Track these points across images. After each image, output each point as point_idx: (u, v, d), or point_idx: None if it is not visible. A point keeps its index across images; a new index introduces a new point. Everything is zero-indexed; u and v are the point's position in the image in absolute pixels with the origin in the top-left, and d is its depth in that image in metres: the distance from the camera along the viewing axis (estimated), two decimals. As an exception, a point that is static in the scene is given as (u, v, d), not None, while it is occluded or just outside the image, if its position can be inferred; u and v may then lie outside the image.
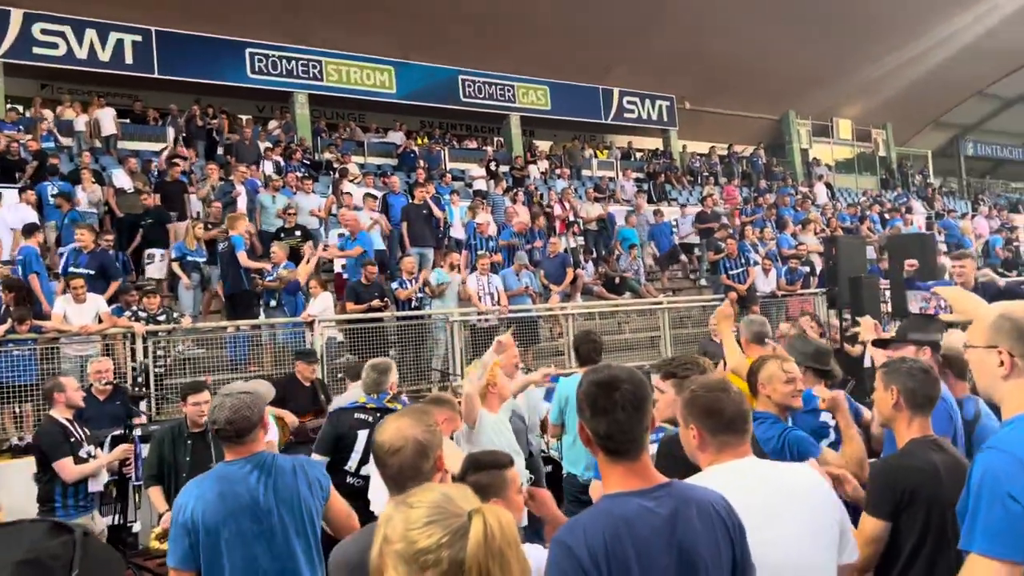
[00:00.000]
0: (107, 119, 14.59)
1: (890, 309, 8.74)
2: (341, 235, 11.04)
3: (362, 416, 4.58)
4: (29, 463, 6.85)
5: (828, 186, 22.94)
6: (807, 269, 13.30)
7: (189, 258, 10.02)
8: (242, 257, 9.39)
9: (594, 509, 1.82)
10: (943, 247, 15.28)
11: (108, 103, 15.41)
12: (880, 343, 4.04)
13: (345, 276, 10.61)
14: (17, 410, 7.69)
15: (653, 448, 3.25)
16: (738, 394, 2.25)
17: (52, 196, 10.56)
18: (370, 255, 10.35)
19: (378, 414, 4.53)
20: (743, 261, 12.47)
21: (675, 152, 24.16)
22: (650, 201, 17.93)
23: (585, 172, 20.79)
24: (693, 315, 12.69)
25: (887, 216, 19.26)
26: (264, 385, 3.14)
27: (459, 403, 4.11)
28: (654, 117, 24.32)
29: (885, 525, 2.53)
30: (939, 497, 2.50)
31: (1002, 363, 1.96)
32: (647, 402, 1.85)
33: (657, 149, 24.73)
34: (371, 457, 4.24)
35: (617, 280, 13.19)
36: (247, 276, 9.48)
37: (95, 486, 5.52)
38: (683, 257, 15.09)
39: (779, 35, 22.08)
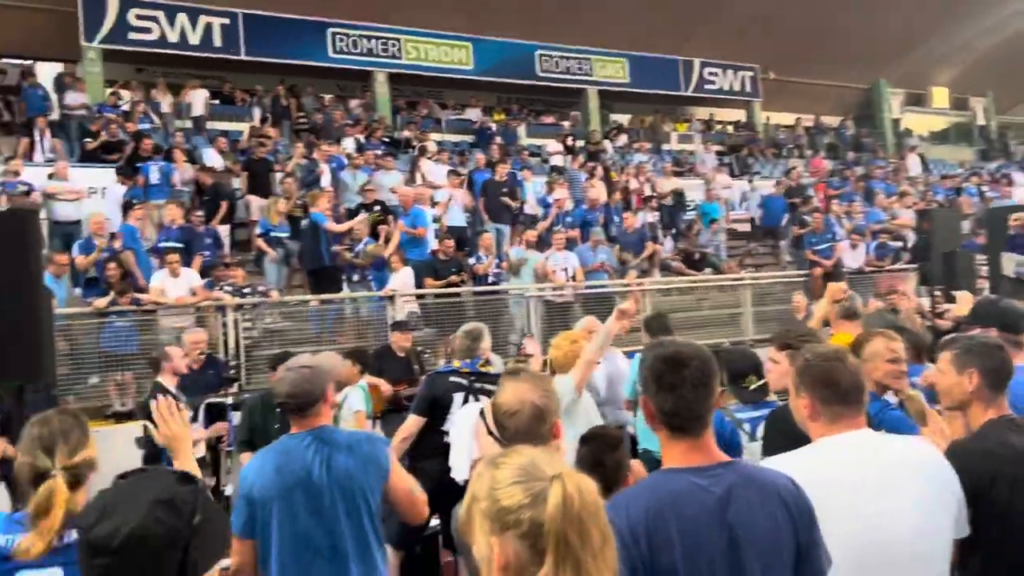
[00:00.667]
0: (199, 100, 15.16)
1: (988, 284, 8.34)
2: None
3: (457, 380, 4.70)
4: (131, 428, 7.28)
5: (921, 157, 21.92)
6: (899, 244, 12.79)
7: (272, 233, 10.35)
8: (331, 225, 9.70)
9: (643, 483, 1.82)
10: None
11: (200, 85, 16.02)
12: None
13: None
14: (119, 378, 8.17)
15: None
16: (854, 365, 2.19)
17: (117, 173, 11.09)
18: (427, 228, 10.48)
19: (472, 378, 4.69)
20: (829, 236, 12.10)
21: (759, 124, 23.46)
22: (732, 175, 17.54)
23: (664, 146, 20.46)
24: (776, 292, 12.39)
25: (986, 189, 18.28)
26: (333, 359, 3.15)
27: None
28: (736, 88, 23.62)
29: None
30: (1020, 479, 2.36)
31: None
32: (714, 379, 1.82)
33: (739, 121, 24.09)
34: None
35: (697, 256, 12.97)
36: (328, 252, 9.77)
37: (196, 452, 5.86)
38: (781, 241, 14.67)
39: (867, -2, 21.11)
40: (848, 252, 12.16)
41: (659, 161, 17.85)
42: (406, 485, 2.92)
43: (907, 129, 25.35)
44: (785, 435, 2.29)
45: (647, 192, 14.44)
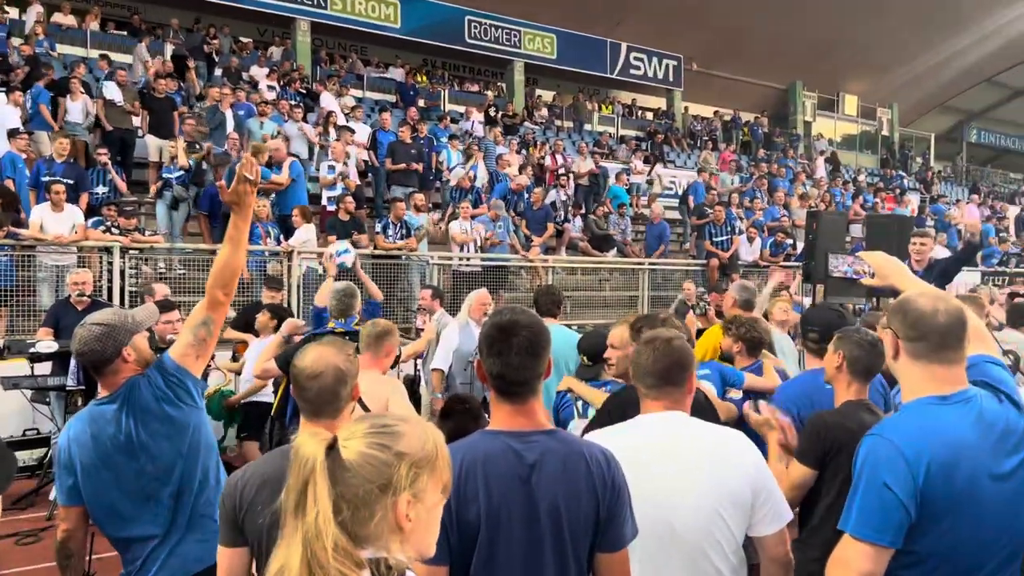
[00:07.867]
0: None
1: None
2: (331, 167, 10.98)
3: None
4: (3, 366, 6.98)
5: (828, 161, 22.84)
6: (790, 242, 13.35)
7: (164, 175, 9.92)
8: (277, 178, 9.99)
9: (465, 440, 1.86)
10: (931, 231, 15.27)
11: (106, 14, 15.12)
12: None
13: (330, 209, 10.59)
14: (-9, 313, 7.75)
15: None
16: (674, 351, 2.20)
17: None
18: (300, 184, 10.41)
19: (346, 337, 4.48)
20: (728, 228, 12.52)
21: (678, 113, 23.94)
22: (646, 162, 17.86)
23: (586, 126, 20.64)
24: (675, 279, 12.77)
25: (880, 196, 19.23)
26: (147, 311, 2.87)
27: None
28: (660, 76, 24.02)
29: (811, 473, 2.65)
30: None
31: (889, 344, 2.03)
32: (543, 349, 1.87)
33: (659, 109, 24.51)
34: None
35: (603, 238, 13.19)
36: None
37: None
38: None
39: (792, 1, 21.72)
40: (745, 246, 12.62)
41: (579, 141, 17.99)
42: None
43: (819, 133, 26.34)
44: (611, 415, 2.39)
45: (561, 171, 14.54)
